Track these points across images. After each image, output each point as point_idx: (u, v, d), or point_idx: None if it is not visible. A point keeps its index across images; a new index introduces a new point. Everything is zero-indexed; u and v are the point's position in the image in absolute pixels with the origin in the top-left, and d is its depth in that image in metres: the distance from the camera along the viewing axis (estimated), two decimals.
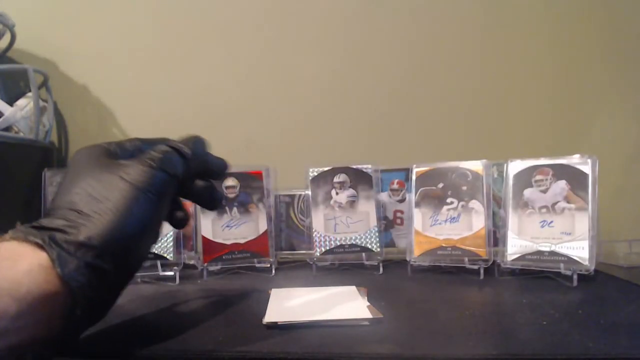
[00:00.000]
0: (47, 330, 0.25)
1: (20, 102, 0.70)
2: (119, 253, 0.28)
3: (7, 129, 0.66)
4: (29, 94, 0.69)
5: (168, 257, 0.53)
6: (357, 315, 0.35)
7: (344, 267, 0.56)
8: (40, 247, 0.25)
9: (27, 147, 0.68)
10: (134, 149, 0.33)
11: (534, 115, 0.72)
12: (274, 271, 0.54)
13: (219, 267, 0.54)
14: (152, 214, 0.30)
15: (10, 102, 0.68)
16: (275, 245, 0.58)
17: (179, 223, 0.36)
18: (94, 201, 0.28)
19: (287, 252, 0.62)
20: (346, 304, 0.38)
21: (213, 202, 0.37)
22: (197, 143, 0.35)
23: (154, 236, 0.32)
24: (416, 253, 0.53)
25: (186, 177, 0.33)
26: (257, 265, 0.55)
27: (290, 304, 0.39)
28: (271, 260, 0.55)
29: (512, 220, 0.50)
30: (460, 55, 0.73)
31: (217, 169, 0.36)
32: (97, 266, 0.26)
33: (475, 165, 0.53)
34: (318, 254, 0.55)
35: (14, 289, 0.23)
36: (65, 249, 0.26)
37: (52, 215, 0.28)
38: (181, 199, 0.37)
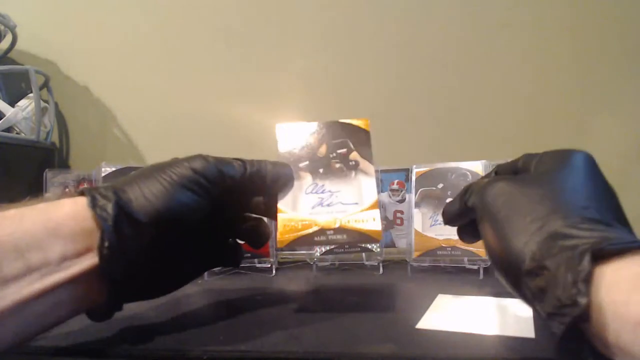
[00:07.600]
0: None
1: (22, 103, 0.70)
2: (154, 209, 0.29)
3: (9, 129, 0.67)
4: (30, 95, 0.70)
5: None
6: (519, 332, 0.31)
7: (344, 267, 0.56)
8: (82, 194, 0.29)
9: (28, 147, 0.68)
10: None
11: (534, 115, 0.72)
12: (274, 271, 0.55)
13: (219, 267, 0.54)
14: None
15: (12, 103, 0.69)
16: None
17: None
18: None
19: (288, 252, 0.62)
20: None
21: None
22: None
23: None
24: (416, 253, 0.53)
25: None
26: (258, 265, 0.55)
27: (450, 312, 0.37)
28: (272, 260, 0.55)
29: None
30: (461, 55, 0.73)
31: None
32: (128, 212, 0.28)
33: (475, 166, 0.53)
34: (318, 254, 0.55)
35: (58, 228, 0.27)
36: (102, 193, 0.28)
37: None
38: None
